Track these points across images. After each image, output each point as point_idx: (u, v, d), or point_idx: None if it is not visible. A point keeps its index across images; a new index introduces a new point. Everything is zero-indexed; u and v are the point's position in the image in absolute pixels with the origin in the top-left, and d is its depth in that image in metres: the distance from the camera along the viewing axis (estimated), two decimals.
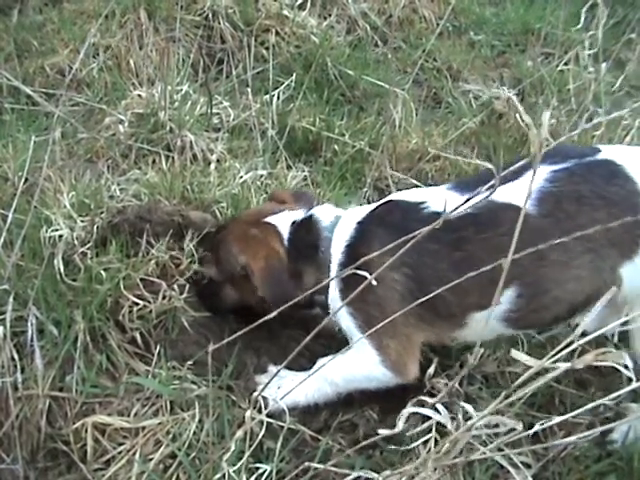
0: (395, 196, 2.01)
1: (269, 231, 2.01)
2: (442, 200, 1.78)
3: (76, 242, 2.07)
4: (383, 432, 1.52)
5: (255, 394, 1.79)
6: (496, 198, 1.73)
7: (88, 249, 2.05)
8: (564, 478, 1.86)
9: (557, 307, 1.79)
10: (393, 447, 1.81)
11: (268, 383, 1.72)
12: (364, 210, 1.98)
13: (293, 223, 2.01)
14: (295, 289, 1.86)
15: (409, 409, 1.47)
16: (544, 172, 1.75)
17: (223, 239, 2.06)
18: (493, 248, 1.69)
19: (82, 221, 2.12)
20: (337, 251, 1.91)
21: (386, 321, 1.49)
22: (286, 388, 1.86)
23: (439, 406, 1.45)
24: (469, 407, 1.48)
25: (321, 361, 1.79)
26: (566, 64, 3.28)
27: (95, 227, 2.11)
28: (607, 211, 1.69)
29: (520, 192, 1.69)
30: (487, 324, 1.79)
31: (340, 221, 1.97)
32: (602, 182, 1.74)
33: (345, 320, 1.88)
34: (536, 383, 1.25)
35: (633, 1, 4.37)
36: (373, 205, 2.00)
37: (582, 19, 3.21)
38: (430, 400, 1.54)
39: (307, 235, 1.98)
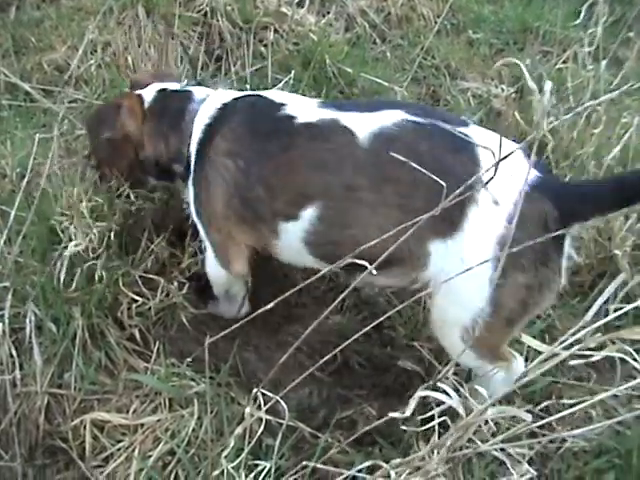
0: (266, 93, 2.00)
1: (130, 95, 2.07)
2: (302, 107, 1.83)
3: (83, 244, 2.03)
4: (394, 415, 1.48)
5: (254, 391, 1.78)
6: (340, 119, 1.74)
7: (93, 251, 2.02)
8: (563, 475, 1.86)
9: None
10: (403, 427, 1.75)
11: None
12: (232, 95, 1.99)
13: (161, 90, 2.05)
14: (160, 152, 1.98)
15: (420, 392, 1.44)
16: (397, 117, 1.70)
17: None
18: (314, 161, 1.73)
19: (97, 226, 2.05)
20: (199, 127, 1.92)
21: None
22: None
23: (450, 391, 1.43)
24: (482, 390, 1.47)
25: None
26: (564, 62, 3.27)
27: (109, 233, 2.05)
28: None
29: (365, 124, 1.70)
30: (292, 240, 1.82)
31: (209, 98, 1.97)
32: (446, 151, 1.64)
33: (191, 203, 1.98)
34: (552, 362, 1.24)
35: None
36: (242, 93, 2.02)
37: (581, 17, 3.21)
38: (441, 386, 1.50)
39: (175, 103, 2.00)
